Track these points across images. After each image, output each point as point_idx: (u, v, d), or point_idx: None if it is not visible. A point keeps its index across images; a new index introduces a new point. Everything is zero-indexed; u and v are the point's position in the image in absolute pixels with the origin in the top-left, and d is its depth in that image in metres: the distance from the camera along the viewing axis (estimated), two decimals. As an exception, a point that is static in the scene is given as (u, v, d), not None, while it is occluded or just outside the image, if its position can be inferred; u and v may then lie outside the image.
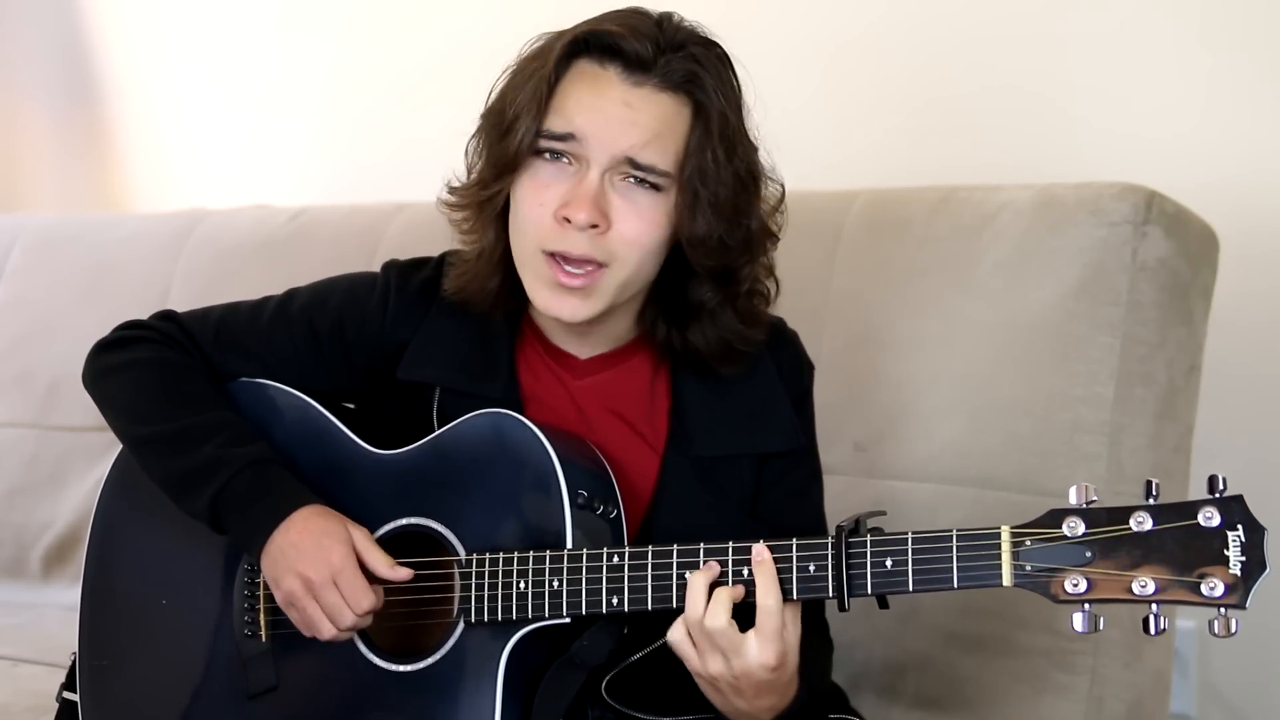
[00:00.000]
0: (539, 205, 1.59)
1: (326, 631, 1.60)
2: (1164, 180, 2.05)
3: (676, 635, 1.50)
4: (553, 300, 1.61)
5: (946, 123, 2.62)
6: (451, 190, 1.68)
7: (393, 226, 2.64)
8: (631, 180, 1.58)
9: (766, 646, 1.47)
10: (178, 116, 3.54)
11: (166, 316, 1.79)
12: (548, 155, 1.59)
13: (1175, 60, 2.45)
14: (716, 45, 1.63)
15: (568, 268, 1.58)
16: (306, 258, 2.65)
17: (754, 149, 1.64)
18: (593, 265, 1.59)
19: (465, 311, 1.71)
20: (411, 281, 1.74)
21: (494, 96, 1.64)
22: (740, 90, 1.64)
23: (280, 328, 1.75)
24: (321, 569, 1.58)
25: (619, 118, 1.57)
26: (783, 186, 1.68)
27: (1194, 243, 2.04)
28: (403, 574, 1.61)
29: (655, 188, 1.59)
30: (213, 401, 1.72)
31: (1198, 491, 2.00)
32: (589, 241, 1.57)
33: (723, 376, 1.69)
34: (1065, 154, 2.50)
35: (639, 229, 1.59)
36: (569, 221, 1.57)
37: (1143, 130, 2.45)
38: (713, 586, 1.49)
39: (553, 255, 1.59)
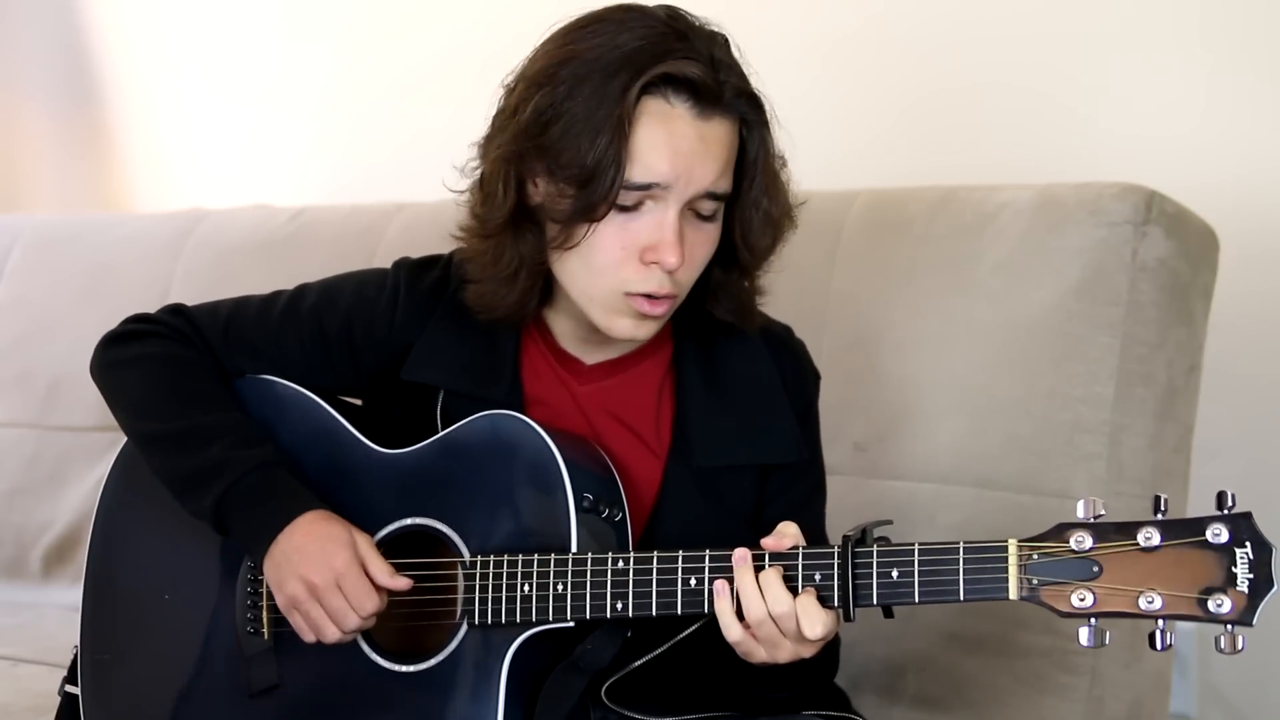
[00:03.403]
0: (621, 249, 1.57)
1: (330, 634, 1.59)
2: (1164, 180, 2.05)
3: (735, 635, 1.49)
4: (635, 328, 1.61)
5: (946, 122, 2.62)
6: (480, 220, 1.62)
7: (393, 226, 2.64)
8: (698, 214, 1.58)
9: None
10: (178, 116, 3.54)
11: (175, 310, 1.79)
12: (624, 207, 1.56)
13: (1176, 60, 2.45)
14: (722, 35, 1.61)
15: (654, 299, 1.58)
16: (306, 258, 2.65)
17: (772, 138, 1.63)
18: (673, 298, 1.60)
19: (471, 314, 1.70)
20: (421, 282, 1.74)
21: (544, 123, 1.55)
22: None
23: (289, 326, 1.75)
24: (325, 573, 1.58)
25: (697, 155, 1.54)
26: (783, 158, 1.66)
27: (1194, 243, 2.04)
28: (402, 583, 1.61)
29: (716, 214, 1.59)
30: (220, 400, 1.72)
31: (1197, 491, 2.02)
32: (671, 280, 1.58)
33: (728, 387, 1.69)
34: (1065, 154, 2.50)
35: (701, 254, 1.60)
36: (655, 263, 1.56)
37: (1143, 130, 2.45)
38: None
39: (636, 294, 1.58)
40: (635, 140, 1.53)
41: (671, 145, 1.54)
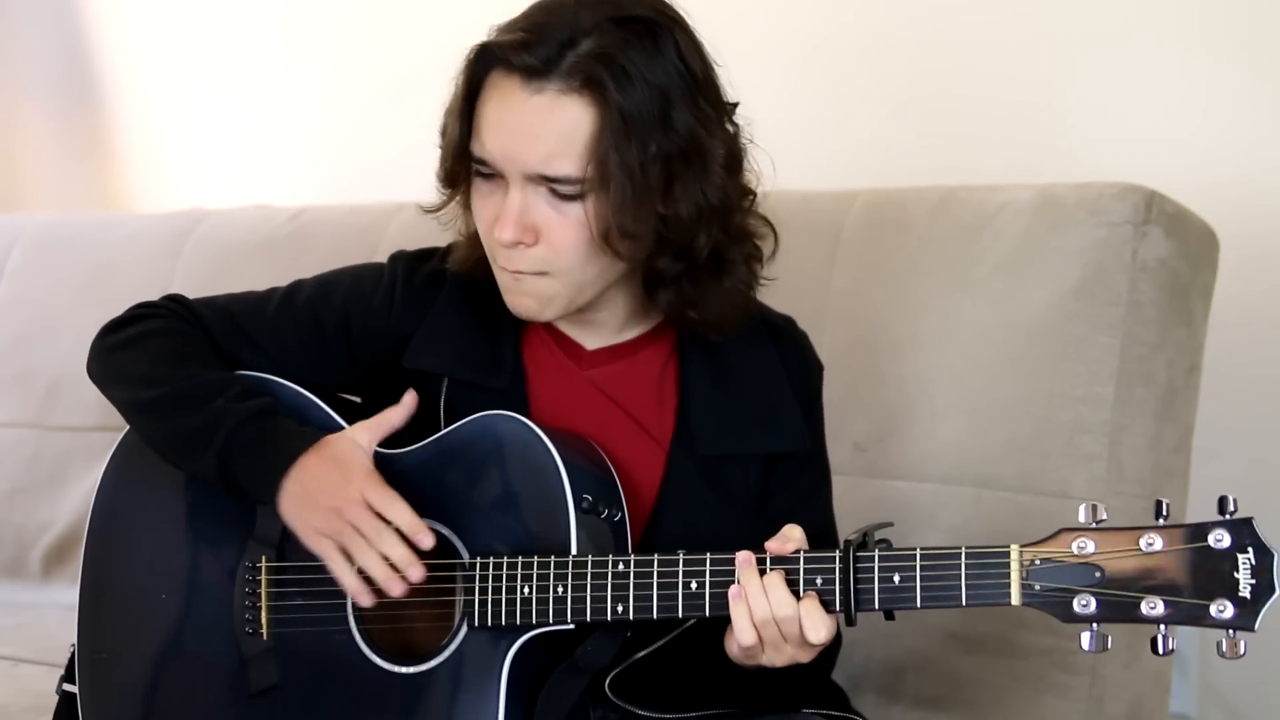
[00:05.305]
0: (482, 221, 1.60)
1: (369, 557, 1.55)
2: (1164, 180, 2.05)
3: (750, 640, 1.47)
4: (513, 301, 1.62)
5: (946, 123, 2.62)
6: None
7: (393, 226, 2.64)
8: (550, 193, 1.55)
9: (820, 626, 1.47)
10: (178, 116, 3.54)
11: (175, 298, 1.79)
12: (482, 174, 1.58)
13: (1176, 61, 2.45)
14: (639, 19, 1.54)
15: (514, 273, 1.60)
16: (306, 258, 2.63)
17: (694, 122, 1.55)
18: (533, 274, 1.59)
19: (471, 303, 1.70)
20: (418, 273, 1.74)
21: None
22: (679, 57, 1.54)
23: (285, 321, 1.75)
24: (347, 490, 1.55)
25: (523, 133, 1.52)
26: (771, 169, 1.61)
27: (1194, 243, 2.04)
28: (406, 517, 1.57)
29: (576, 196, 1.54)
30: (219, 365, 1.71)
31: (1197, 491, 2.02)
32: (522, 256, 1.57)
33: (731, 376, 1.68)
34: (1065, 154, 2.50)
35: (565, 237, 1.56)
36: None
37: (1143, 130, 2.45)
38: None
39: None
40: (480, 112, 1.56)
41: (501, 121, 1.54)
